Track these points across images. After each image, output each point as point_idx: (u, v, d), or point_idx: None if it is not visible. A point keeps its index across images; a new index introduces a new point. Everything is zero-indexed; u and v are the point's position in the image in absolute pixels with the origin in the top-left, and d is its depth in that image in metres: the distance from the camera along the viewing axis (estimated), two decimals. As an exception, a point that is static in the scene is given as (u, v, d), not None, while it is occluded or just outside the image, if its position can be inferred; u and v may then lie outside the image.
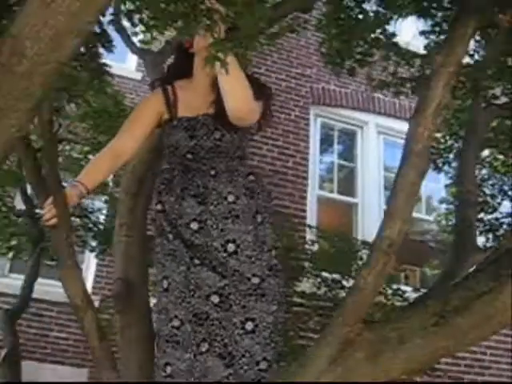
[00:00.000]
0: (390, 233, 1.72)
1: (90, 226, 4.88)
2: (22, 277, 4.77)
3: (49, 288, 5.81)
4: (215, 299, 1.96)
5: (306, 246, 4.92)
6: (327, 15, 3.57)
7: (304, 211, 6.32)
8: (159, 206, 2.14)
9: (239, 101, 2.04)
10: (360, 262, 4.34)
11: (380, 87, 4.00)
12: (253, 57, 6.67)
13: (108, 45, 2.91)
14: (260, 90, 2.21)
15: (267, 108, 2.27)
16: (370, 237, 2.25)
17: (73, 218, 4.09)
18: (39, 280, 4.73)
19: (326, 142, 7.13)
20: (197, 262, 2.01)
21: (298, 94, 6.89)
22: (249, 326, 1.94)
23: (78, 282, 2.00)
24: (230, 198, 2.09)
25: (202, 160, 2.15)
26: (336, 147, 7.21)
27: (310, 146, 6.72)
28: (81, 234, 4.79)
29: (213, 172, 2.12)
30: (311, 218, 6.34)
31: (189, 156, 2.16)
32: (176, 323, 1.97)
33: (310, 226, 5.60)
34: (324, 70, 7.03)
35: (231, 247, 2.02)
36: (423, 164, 1.78)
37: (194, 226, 2.05)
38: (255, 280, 2.00)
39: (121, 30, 3.56)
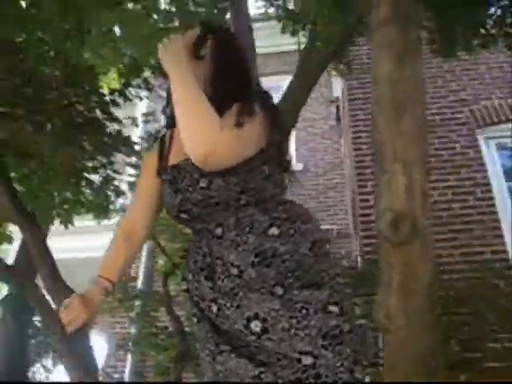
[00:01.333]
0: None
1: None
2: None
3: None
4: None
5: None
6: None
7: (504, 252, 5.35)
8: (185, 285, 1.70)
9: (190, 138, 1.52)
10: None
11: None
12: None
13: None
14: (265, 106, 1.65)
15: (276, 132, 1.65)
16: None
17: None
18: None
19: (507, 165, 6.11)
20: (223, 348, 1.48)
21: (457, 122, 6.09)
22: None
23: None
24: (234, 271, 1.52)
25: (202, 218, 1.63)
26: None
27: (490, 175, 5.79)
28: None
29: (219, 231, 1.59)
30: (515, 257, 5.34)
31: (183, 216, 1.66)
32: None
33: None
34: (481, 84, 6.31)
35: (257, 325, 1.44)
36: None
37: (214, 308, 1.53)
38: (307, 360, 1.37)
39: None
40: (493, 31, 3.09)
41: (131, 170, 4.25)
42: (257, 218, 1.56)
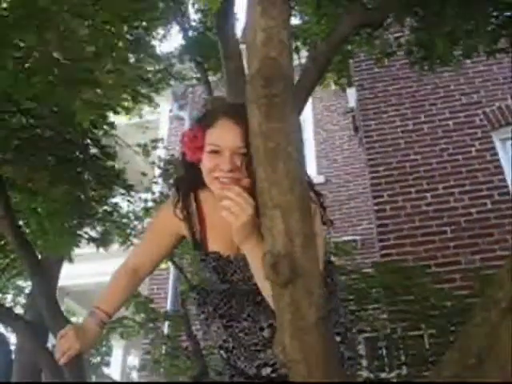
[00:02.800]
0: None
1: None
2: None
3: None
4: None
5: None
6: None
7: (525, 255, 5.24)
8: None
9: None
10: None
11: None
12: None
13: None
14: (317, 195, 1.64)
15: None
16: None
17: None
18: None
19: (525, 165, 5.99)
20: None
21: (471, 125, 6.01)
22: None
23: None
24: (266, 334, 1.67)
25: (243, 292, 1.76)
26: (542, 166, 6.01)
27: (507, 177, 5.69)
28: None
29: (259, 298, 1.66)
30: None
31: (225, 293, 1.79)
32: None
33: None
34: (494, 85, 6.20)
35: (268, 370, 1.65)
36: None
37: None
38: None
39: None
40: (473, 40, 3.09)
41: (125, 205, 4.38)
42: None
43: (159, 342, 5.59)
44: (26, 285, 9.06)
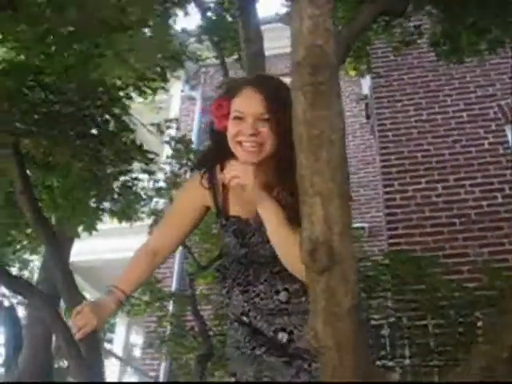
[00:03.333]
0: None
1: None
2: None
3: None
4: None
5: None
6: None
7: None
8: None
9: (288, 263, 1.61)
10: None
11: None
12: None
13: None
14: None
15: None
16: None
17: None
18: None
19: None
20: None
21: (485, 118, 5.99)
22: None
23: None
24: (282, 297, 1.71)
25: (258, 262, 1.78)
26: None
27: (519, 171, 5.68)
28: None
29: (276, 269, 1.72)
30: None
31: (243, 260, 1.80)
32: None
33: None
34: (510, 79, 6.16)
35: (284, 337, 1.69)
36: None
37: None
38: None
39: None
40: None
41: (146, 176, 4.40)
42: None
43: (165, 321, 5.64)
44: (33, 259, 9.12)
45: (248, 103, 1.67)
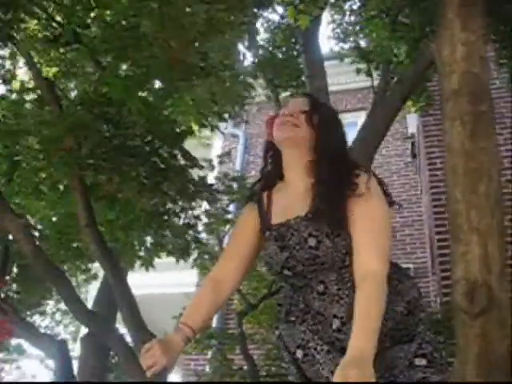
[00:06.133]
0: None
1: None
2: None
3: None
4: None
5: None
6: None
7: None
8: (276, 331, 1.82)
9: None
10: None
11: None
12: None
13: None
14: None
15: None
16: None
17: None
18: None
19: None
20: None
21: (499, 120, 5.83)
22: None
23: None
24: (336, 323, 1.63)
25: (305, 275, 1.72)
26: None
27: None
28: None
29: (321, 288, 1.69)
30: None
31: (286, 272, 1.75)
32: None
33: None
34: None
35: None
36: None
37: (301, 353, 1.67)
38: None
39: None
40: None
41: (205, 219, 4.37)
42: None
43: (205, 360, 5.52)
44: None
45: (289, 106, 1.89)
